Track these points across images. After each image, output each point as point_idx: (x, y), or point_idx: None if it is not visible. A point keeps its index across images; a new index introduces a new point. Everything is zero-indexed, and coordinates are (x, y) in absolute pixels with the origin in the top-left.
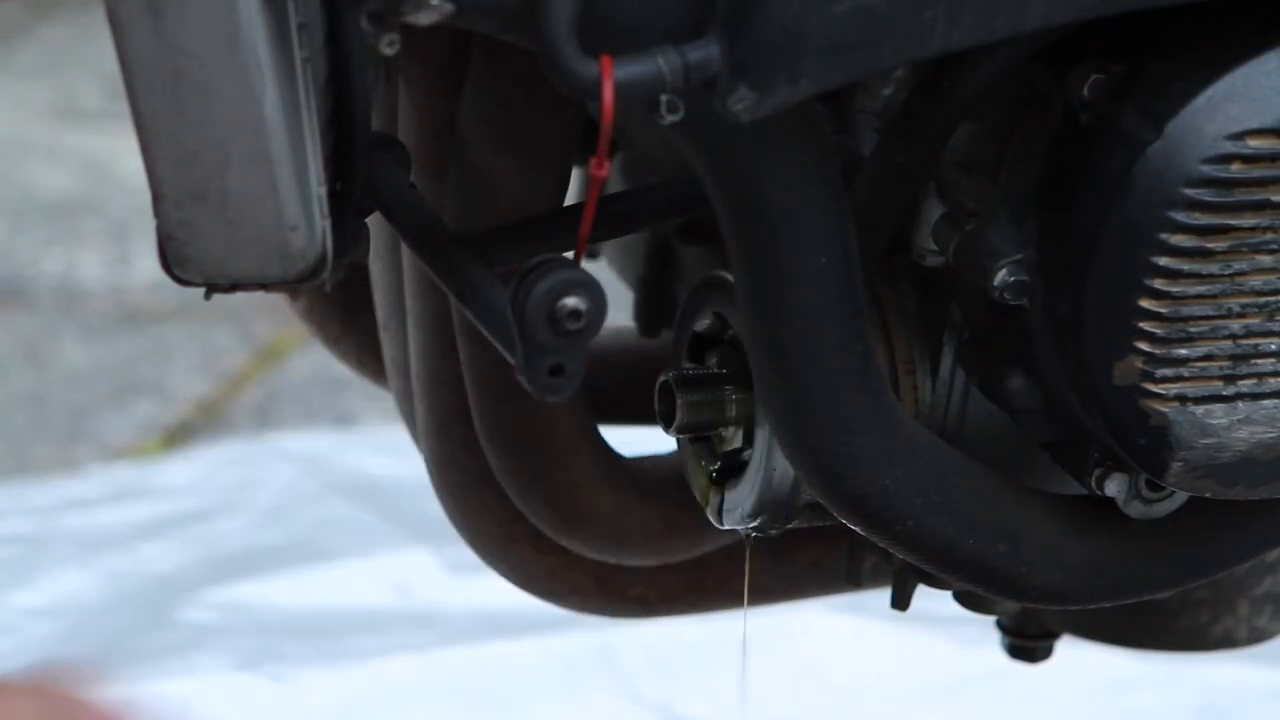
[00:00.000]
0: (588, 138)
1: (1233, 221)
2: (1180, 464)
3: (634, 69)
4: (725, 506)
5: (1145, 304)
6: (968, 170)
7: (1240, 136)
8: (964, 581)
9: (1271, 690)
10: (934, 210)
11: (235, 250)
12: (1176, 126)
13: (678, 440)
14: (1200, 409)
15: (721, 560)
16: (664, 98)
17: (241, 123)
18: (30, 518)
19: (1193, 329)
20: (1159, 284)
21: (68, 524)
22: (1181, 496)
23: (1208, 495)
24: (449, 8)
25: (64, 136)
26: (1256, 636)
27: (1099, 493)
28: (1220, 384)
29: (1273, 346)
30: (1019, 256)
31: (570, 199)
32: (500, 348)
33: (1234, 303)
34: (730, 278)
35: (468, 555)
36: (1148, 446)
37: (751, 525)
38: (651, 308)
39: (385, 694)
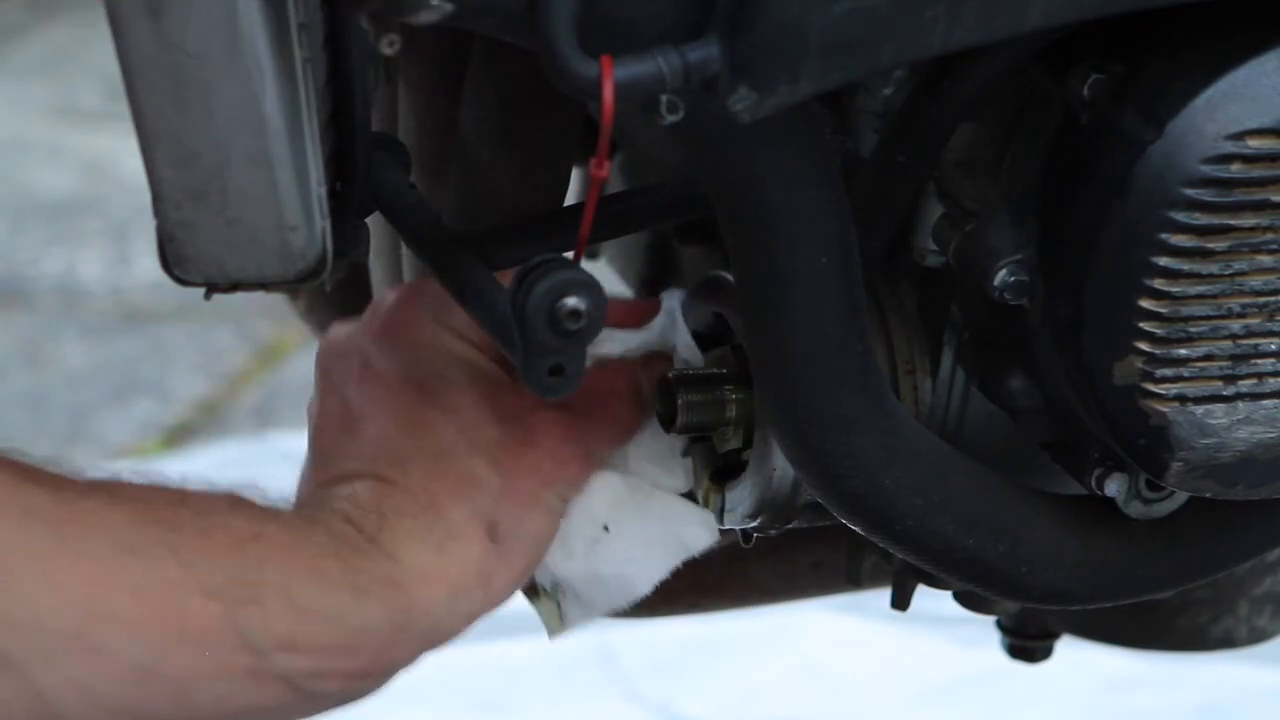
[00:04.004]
0: (588, 138)
1: (1233, 221)
2: (1180, 464)
3: (634, 69)
4: (725, 506)
5: (1145, 304)
6: (968, 170)
7: (1240, 136)
8: (964, 581)
9: (1271, 690)
10: (934, 210)
11: (235, 250)
12: (1176, 126)
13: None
14: (1200, 409)
15: (722, 560)
16: (664, 98)
17: (241, 123)
18: None
19: (1193, 329)
20: (1159, 284)
21: None
22: (1181, 496)
23: (1208, 495)
24: (449, 8)
25: (64, 136)
26: (1256, 636)
27: (1099, 493)
28: (1220, 384)
29: (1273, 346)
30: (1019, 256)
31: (570, 199)
32: (500, 347)
33: (1234, 303)
34: (730, 278)
35: None
36: (1148, 446)
37: (751, 525)
38: None
39: (385, 694)
